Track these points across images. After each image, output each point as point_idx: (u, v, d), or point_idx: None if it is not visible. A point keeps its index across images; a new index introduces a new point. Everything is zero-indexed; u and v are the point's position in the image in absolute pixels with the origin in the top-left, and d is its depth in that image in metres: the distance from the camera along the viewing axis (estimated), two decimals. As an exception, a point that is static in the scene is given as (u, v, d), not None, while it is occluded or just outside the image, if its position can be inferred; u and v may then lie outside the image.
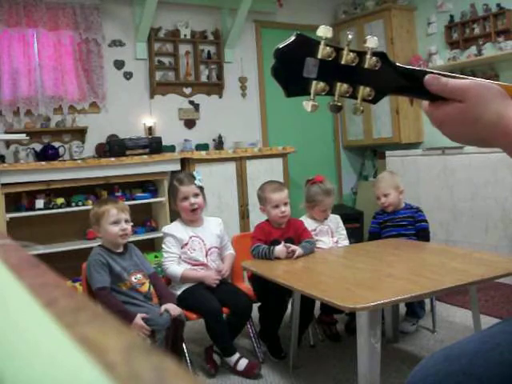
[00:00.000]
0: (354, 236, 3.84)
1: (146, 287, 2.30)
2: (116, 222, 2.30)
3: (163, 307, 2.22)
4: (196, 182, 2.59)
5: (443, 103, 0.73)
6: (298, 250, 2.44)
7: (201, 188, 2.62)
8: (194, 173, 2.73)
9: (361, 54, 0.72)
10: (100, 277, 2.20)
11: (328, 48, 0.70)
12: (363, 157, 5.71)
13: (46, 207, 3.61)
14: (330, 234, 2.79)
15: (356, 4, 5.38)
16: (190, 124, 4.71)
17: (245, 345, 2.68)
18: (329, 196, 2.74)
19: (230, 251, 2.69)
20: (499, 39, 4.19)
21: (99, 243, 2.39)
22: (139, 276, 2.30)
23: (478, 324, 2.42)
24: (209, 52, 4.77)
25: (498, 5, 4.21)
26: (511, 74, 4.23)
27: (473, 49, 4.38)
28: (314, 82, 0.70)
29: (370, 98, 0.73)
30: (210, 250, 2.58)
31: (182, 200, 2.56)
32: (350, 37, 0.71)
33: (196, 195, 2.57)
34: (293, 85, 0.71)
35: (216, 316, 2.32)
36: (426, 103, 0.76)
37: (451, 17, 4.62)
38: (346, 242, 2.83)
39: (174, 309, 2.23)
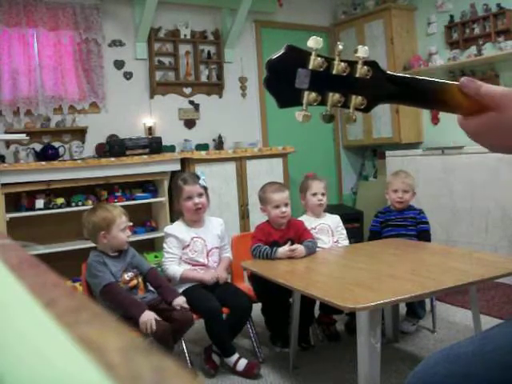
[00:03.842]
0: (354, 236, 3.85)
1: (134, 283, 2.32)
2: (125, 229, 2.32)
3: (174, 303, 2.27)
4: (200, 181, 2.60)
5: (476, 115, 0.74)
6: (301, 248, 2.44)
7: (205, 188, 2.62)
8: (199, 173, 2.73)
9: (352, 64, 0.72)
10: (104, 275, 2.22)
11: (319, 58, 0.70)
12: (363, 157, 5.71)
13: (46, 207, 3.61)
14: (330, 232, 2.79)
15: (356, 4, 5.38)
16: (189, 124, 4.71)
17: (244, 345, 2.68)
18: (316, 179, 2.85)
19: (227, 255, 2.68)
20: (499, 39, 4.19)
21: (92, 245, 2.39)
22: (130, 274, 2.33)
23: (478, 324, 2.42)
24: (209, 52, 4.77)
25: (498, 5, 4.21)
26: (511, 74, 4.23)
27: (473, 49, 4.38)
28: (306, 93, 0.71)
29: (363, 107, 0.73)
30: (211, 250, 2.58)
31: (185, 199, 2.56)
32: (340, 47, 0.72)
33: (200, 195, 2.58)
34: (285, 96, 0.71)
35: (216, 316, 2.32)
36: (459, 117, 0.76)
37: (451, 17, 4.62)
38: (346, 242, 2.83)
39: (183, 302, 2.29)
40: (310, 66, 0.70)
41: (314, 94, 0.71)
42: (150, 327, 2.10)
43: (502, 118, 0.71)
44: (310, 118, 0.72)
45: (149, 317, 2.12)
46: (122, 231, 2.30)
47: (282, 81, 0.71)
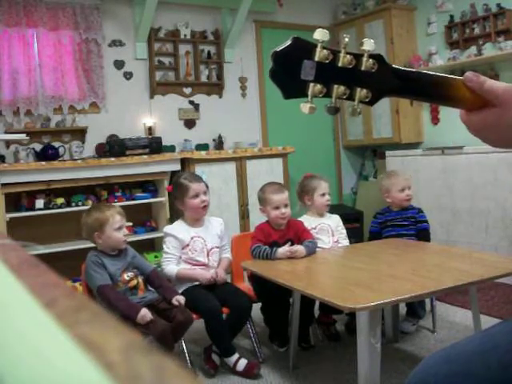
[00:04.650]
0: (354, 236, 3.84)
1: (134, 283, 2.32)
2: (120, 228, 2.31)
3: (174, 300, 2.28)
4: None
5: (479, 110, 0.74)
6: (301, 248, 2.44)
7: (207, 187, 2.65)
8: (200, 172, 2.75)
9: (357, 57, 0.72)
10: (99, 276, 2.22)
11: (325, 51, 0.71)
12: (363, 157, 5.71)
13: (46, 207, 3.61)
14: (331, 232, 2.79)
15: (356, 4, 5.38)
16: (190, 124, 4.71)
17: (245, 345, 2.68)
18: (321, 179, 2.86)
19: (226, 255, 2.67)
20: (499, 39, 4.19)
21: (92, 245, 2.39)
22: (130, 274, 2.33)
23: (478, 324, 2.42)
24: (209, 52, 4.77)
25: (498, 5, 4.21)
26: (511, 74, 4.23)
27: (473, 49, 4.38)
28: (312, 85, 0.71)
29: (367, 100, 0.74)
30: (211, 250, 2.58)
31: (192, 197, 2.55)
32: (346, 40, 0.72)
33: (205, 193, 2.59)
34: (290, 87, 0.72)
35: (216, 316, 2.32)
36: (462, 112, 0.76)
37: (451, 17, 4.62)
38: (346, 242, 2.83)
39: (183, 299, 2.30)
40: (316, 58, 0.70)
41: (319, 86, 0.71)
42: (148, 321, 2.12)
43: (504, 114, 0.72)
44: (315, 109, 0.72)
45: (144, 312, 2.14)
46: (116, 231, 2.30)
47: (288, 72, 0.71)
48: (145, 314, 2.13)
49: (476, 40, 4.39)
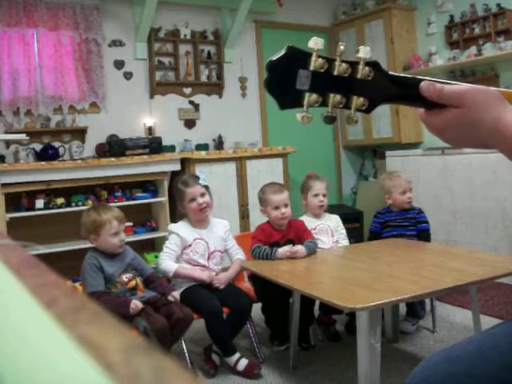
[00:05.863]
0: (354, 236, 3.84)
1: (133, 284, 2.33)
2: (116, 234, 2.31)
3: (169, 297, 2.32)
4: (200, 181, 2.61)
5: (440, 110, 0.73)
6: (302, 249, 2.44)
7: (206, 187, 2.63)
8: (198, 172, 2.74)
9: (353, 65, 0.72)
10: (92, 281, 2.22)
11: (320, 59, 0.70)
12: (363, 157, 5.71)
13: (46, 207, 3.61)
14: (330, 233, 2.79)
15: (356, 4, 5.38)
16: (190, 124, 4.71)
17: (245, 345, 2.68)
18: (319, 180, 2.83)
19: (239, 256, 2.64)
20: (499, 39, 4.18)
21: (92, 245, 2.39)
22: (129, 275, 2.33)
23: (478, 324, 2.42)
24: (209, 52, 4.77)
25: (498, 5, 4.20)
26: (511, 74, 4.23)
27: (473, 49, 4.38)
28: (307, 94, 0.71)
29: (364, 108, 0.73)
30: (213, 253, 2.57)
31: (190, 201, 2.56)
32: (341, 48, 0.71)
33: (203, 195, 2.58)
34: (286, 97, 0.71)
35: (216, 316, 2.32)
36: (421, 111, 0.76)
37: (451, 17, 4.62)
38: (346, 242, 2.83)
39: (177, 294, 2.35)
40: (311, 67, 0.70)
41: (314, 96, 0.71)
42: (140, 309, 2.16)
43: (467, 114, 0.71)
44: (310, 119, 0.72)
45: (134, 304, 2.16)
46: (112, 236, 2.29)
47: (283, 82, 0.70)
48: (135, 305, 2.16)
49: (476, 40, 4.39)
